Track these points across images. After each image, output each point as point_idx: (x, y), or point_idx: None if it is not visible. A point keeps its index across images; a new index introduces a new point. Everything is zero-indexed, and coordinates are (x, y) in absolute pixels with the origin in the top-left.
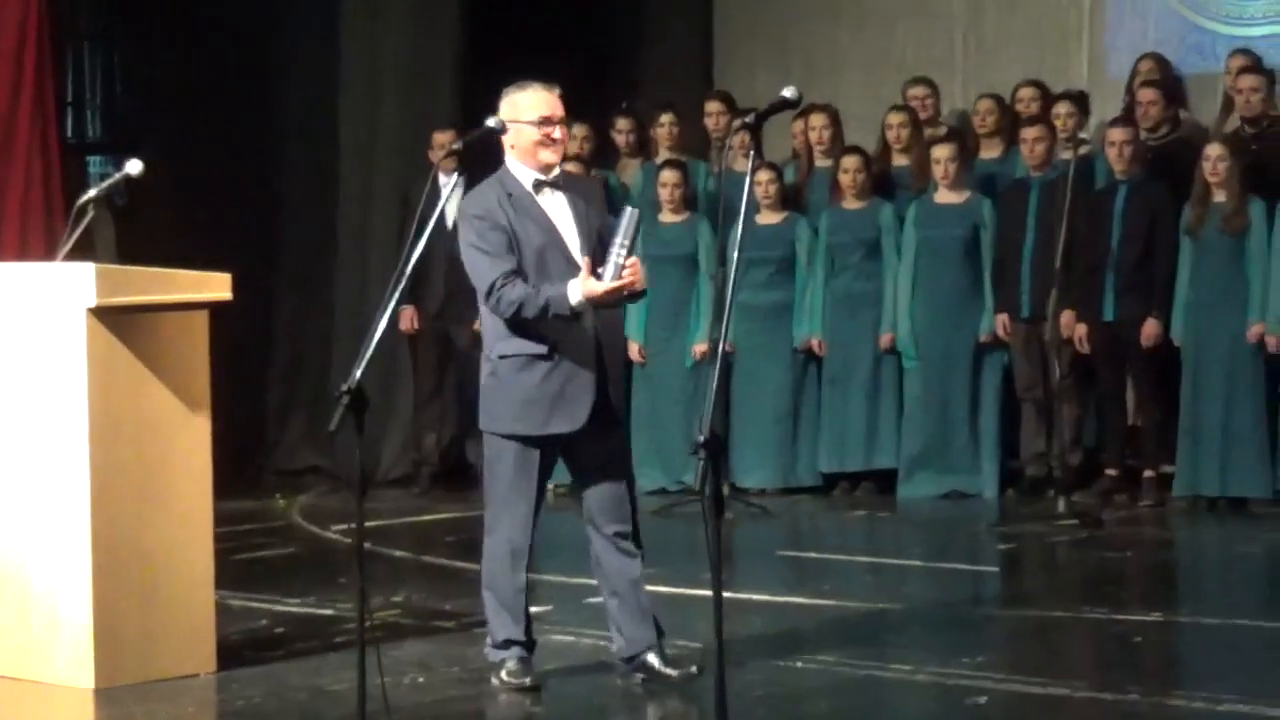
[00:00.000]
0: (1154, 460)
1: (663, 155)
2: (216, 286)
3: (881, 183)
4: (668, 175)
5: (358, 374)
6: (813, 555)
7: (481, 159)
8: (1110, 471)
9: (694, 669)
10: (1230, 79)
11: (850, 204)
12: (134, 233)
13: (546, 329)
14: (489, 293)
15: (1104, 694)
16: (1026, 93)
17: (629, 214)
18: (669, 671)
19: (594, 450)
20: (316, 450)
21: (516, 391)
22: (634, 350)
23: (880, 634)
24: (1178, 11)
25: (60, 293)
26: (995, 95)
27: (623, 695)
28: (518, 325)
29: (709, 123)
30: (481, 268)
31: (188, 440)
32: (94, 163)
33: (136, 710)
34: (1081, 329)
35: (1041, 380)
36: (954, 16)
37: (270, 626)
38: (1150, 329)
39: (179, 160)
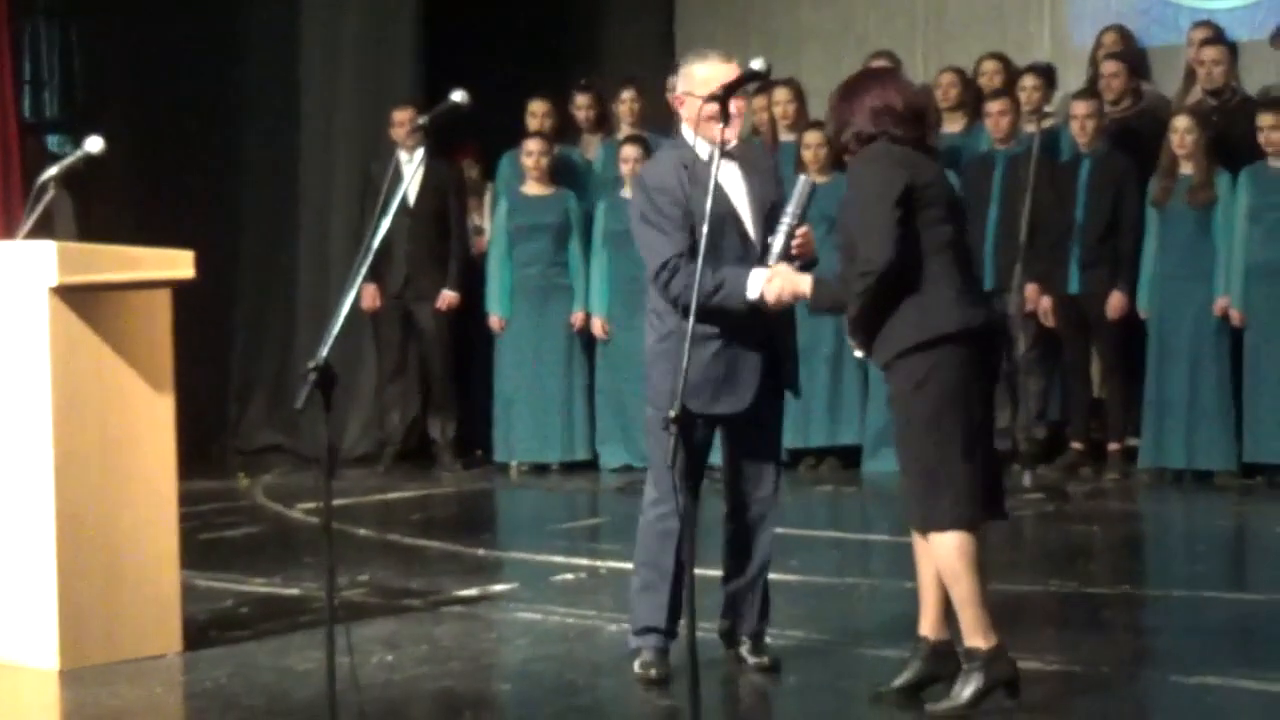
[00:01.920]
0: (1119, 433)
1: (625, 131)
2: (179, 265)
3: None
4: (630, 150)
5: (324, 351)
6: (779, 531)
7: (443, 135)
8: (1075, 445)
9: (767, 660)
10: (1193, 51)
11: (814, 179)
12: (95, 211)
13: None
14: (659, 271)
15: (1074, 667)
16: (990, 66)
17: (802, 182)
18: (750, 659)
19: (750, 430)
20: (279, 429)
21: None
22: (597, 327)
23: (848, 609)
24: None
25: (22, 272)
26: (957, 69)
27: (592, 671)
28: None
29: (672, 97)
30: (654, 243)
31: (151, 420)
32: (52, 141)
33: (102, 692)
34: (1046, 302)
35: (1006, 354)
36: None
37: (236, 606)
38: (1115, 302)
39: (138, 138)
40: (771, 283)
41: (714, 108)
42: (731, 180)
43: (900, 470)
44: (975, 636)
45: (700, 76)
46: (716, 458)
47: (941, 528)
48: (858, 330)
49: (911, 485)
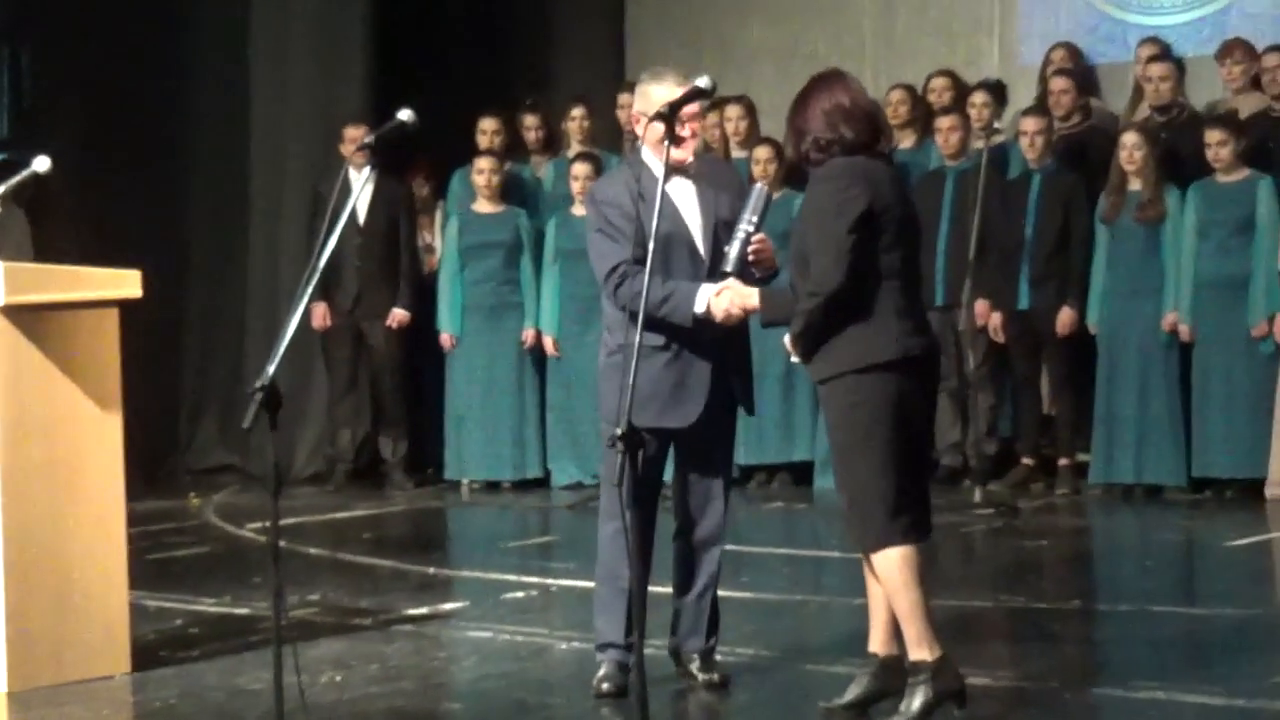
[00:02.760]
0: (1069, 449)
1: (575, 149)
2: (127, 284)
3: (795, 173)
4: (580, 168)
5: (271, 371)
6: (730, 547)
7: (394, 153)
8: (1026, 460)
9: (717, 677)
10: (1140, 68)
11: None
12: (43, 231)
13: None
14: (608, 277)
15: (1024, 683)
16: (939, 83)
17: (757, 191)
18: (700, 675)
19: (700, 445)
20: (229, 449)
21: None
22: (548, 344)
23: (799, 625)
24: (1088, 1)
25: None
26: (908, 86)
27: (542, 689)
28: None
29: (622, 115)
30: (605, 251)
31: (100, 439)
32: None
33: (50, 713)
34: (996, 318)
35: (956, 370)
36: (865, 8)
37: (185, 626)
38: (1065, 318)
39: (87, 158)
40: (719, 297)
41: (662, 127)
42: (685, 198)
43: (838, 489)
44: (920, 649)
45: (655, 97)
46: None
47: (881, 545)
48: (798, 343)
49: (850, 504)
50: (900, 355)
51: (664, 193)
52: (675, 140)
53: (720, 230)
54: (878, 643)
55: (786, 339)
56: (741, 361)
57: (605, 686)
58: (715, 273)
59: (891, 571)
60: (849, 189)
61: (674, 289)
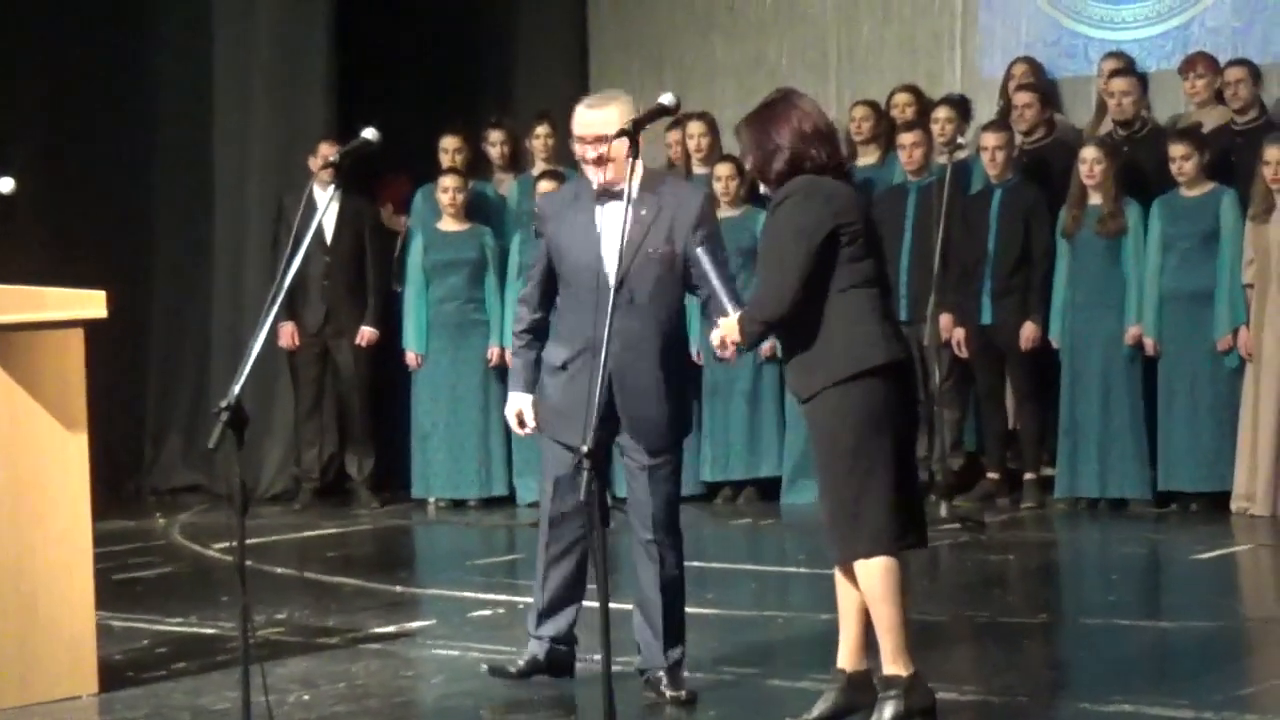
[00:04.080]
0: (1034, 463)
1: (539, 166)
2: (91, 305)
3: (757, 190)
4: (545, 185)
5: (236, 390)
6: (696, 564)
7: (358, 171)
8: (991, 475)
9: (684, 693)
10: (1103, 82)
11: (725, 212)
12: (4, 251)
13: (563, 343)
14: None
15: (991, 697)
16: (902, 98)
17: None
18: (667, 692)
19: (622, 466)
20: (194, 468)
21: (543, 394)
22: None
23: (766, 641)
24: (1050, 15)
25: None
26: (870, 101)
27: (509, 708)
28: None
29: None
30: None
31: (65, 460)
32: None
33: None
34: (960, 333)
35: (921, 385)
36: (827, 23)
37: (152, 646)
38: (1028, 331)
39: (49, 178)
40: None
41: (581, 150)
42: (612, 224)
43: (821, 500)
44: (895, 664)
45: (575, 120)
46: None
47: (865, 554)
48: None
49: (834, 515)
50: (887, 360)
51: (594, 215)
52: (589, 164)
53: (640, 258)
54: (846, 658)
55: (722, 336)
56: (636, 391)
57: (510, 669)
58: (620, 299)
59: (875, 581)
60: (819, 208)
61: (515, 370)
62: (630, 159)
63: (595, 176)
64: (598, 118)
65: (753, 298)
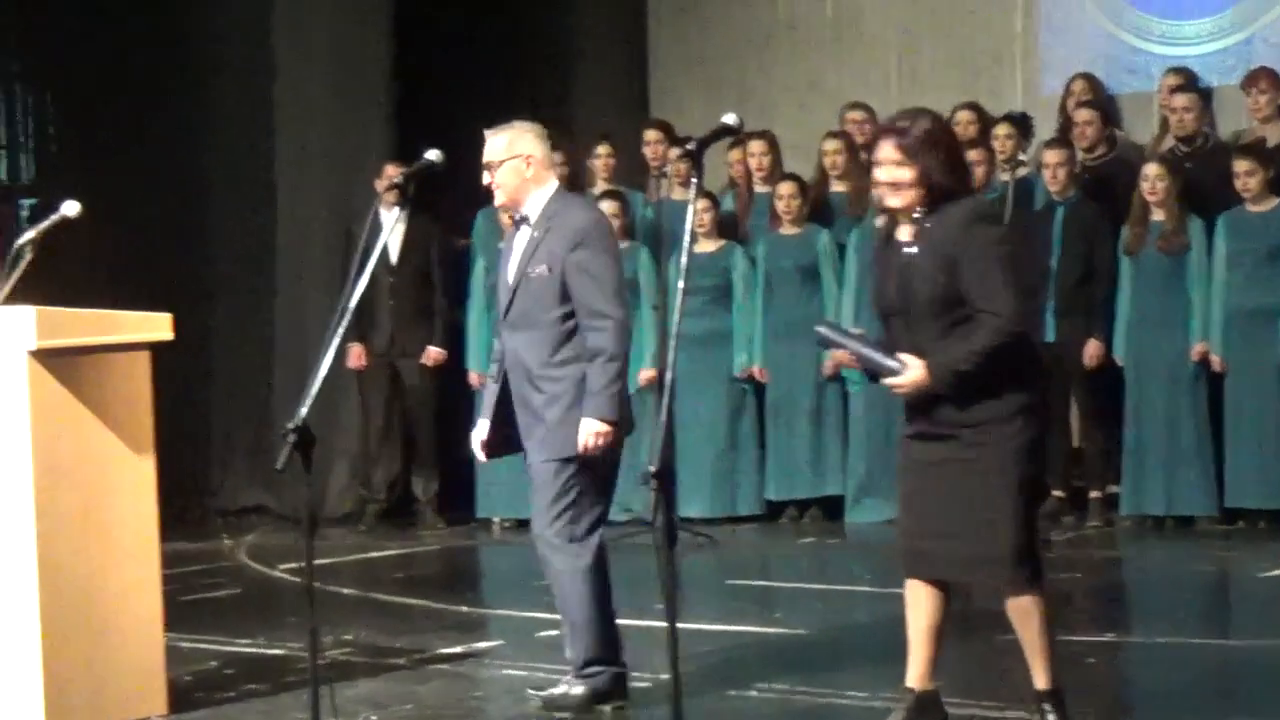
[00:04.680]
0: (1099, 481)
1: (600, 186)
2: (158, 327)
3: (819, 209)
4: (606, 205)
5: (303, 412)
6: (762, 583)
7: (423, 192)
8: (1056, 493)
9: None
10: (1164, 98)
11: (787, 230)
12: (71, 275)
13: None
14: None
15: None
16: (964, 116)
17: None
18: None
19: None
20: (261, 489)
21: None
22: None
23: (833, 661)
24: (1111, 32)
25: (0, 336)
26: None
27: None
28: None
29: (647, 151)
30: None
31: (133, 482)
32: (26, 205)
33: None
34: None
35: None
36: (887, 43)
37: (220, 668)
38: (1092, 349)
39: (114, 202)
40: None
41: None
42: (517, 249)
43: (990, 532)
44: (1056, 678)
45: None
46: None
47: (1038, 582)
48: (955, 381)
49: (1017, 548)
50: (1043, 392)
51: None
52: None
53: (523, 280)
54: (916, 678)
55: (916, 379)
56: (521, 410)
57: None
58: (509, 322)
59: (1041, 609)
60: (1006, 228)
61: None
62: (692, 180)
63: (494, 201)
64: (490, 145)
65: (997, 316)
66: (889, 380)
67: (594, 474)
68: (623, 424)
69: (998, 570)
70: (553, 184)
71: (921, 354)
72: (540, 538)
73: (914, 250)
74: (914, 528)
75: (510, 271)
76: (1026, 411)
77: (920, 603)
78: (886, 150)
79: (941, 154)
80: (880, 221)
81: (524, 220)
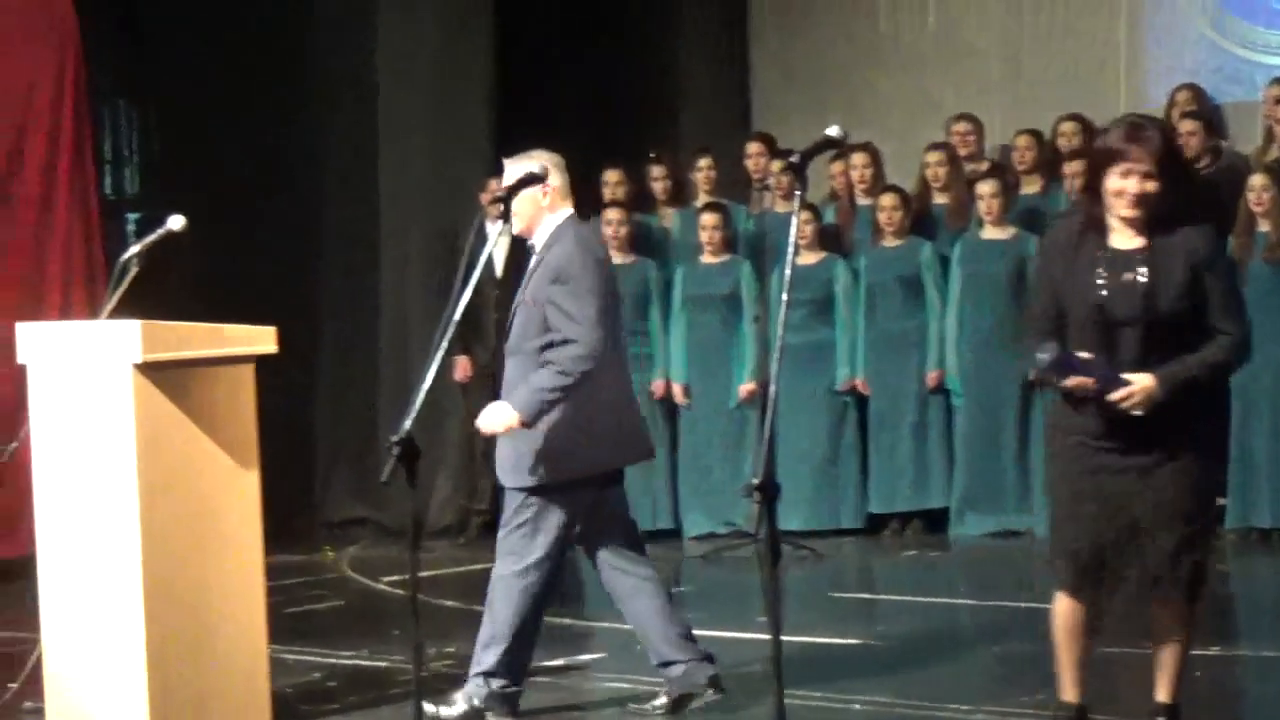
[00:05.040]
0: None
1: (702, 198)
2: (262, 340)
3: (921, 221)
4: (708, 218)
5: (407, 424)
6: (865, 596)
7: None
8: None
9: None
10: (1269, 108)
11: (889, 242)
12: (175, 288)
13: None
14: None
15: None
16: (1068, 127)
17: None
18: None
19: None
20: (364, 501)
21: None
22: (677, 392)
23: (935, 673)
24: (1215, 41)
25: (106, 350)
26: (1034, 131)
27: None
28: None
29: (749, 164)
30: None
31: (237, 494)
32: (132, 219)
33: None
34: None
35: None
36: (989, 54)
37: (324, 680)
38: None
39: (217, 215)
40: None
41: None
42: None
43: (1186, 543)
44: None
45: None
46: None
47: (1203, 594)
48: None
49: (1198, 555)
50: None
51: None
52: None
53: (518, 307)
54: (1073, 690)
55: (1148, 390)
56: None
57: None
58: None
59: (1195, 622)
60: None
61: None
62: (795, 192)
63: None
64: (510, 172)
65: (1236, 325)
66: (1119, 393)
67: (564, 504)
68: (626, 451)
69: (1178, 579)
70: (565, 212)
71: (1146, 365)
72: (499, 544)
73: (1150, 262)
74: (1096, 540)
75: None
76: (1220, 428)
77: (1074, 613)
78: (1137, 160)
79: (1181, 167)
80: (1066, 227)
81: (533, 248)
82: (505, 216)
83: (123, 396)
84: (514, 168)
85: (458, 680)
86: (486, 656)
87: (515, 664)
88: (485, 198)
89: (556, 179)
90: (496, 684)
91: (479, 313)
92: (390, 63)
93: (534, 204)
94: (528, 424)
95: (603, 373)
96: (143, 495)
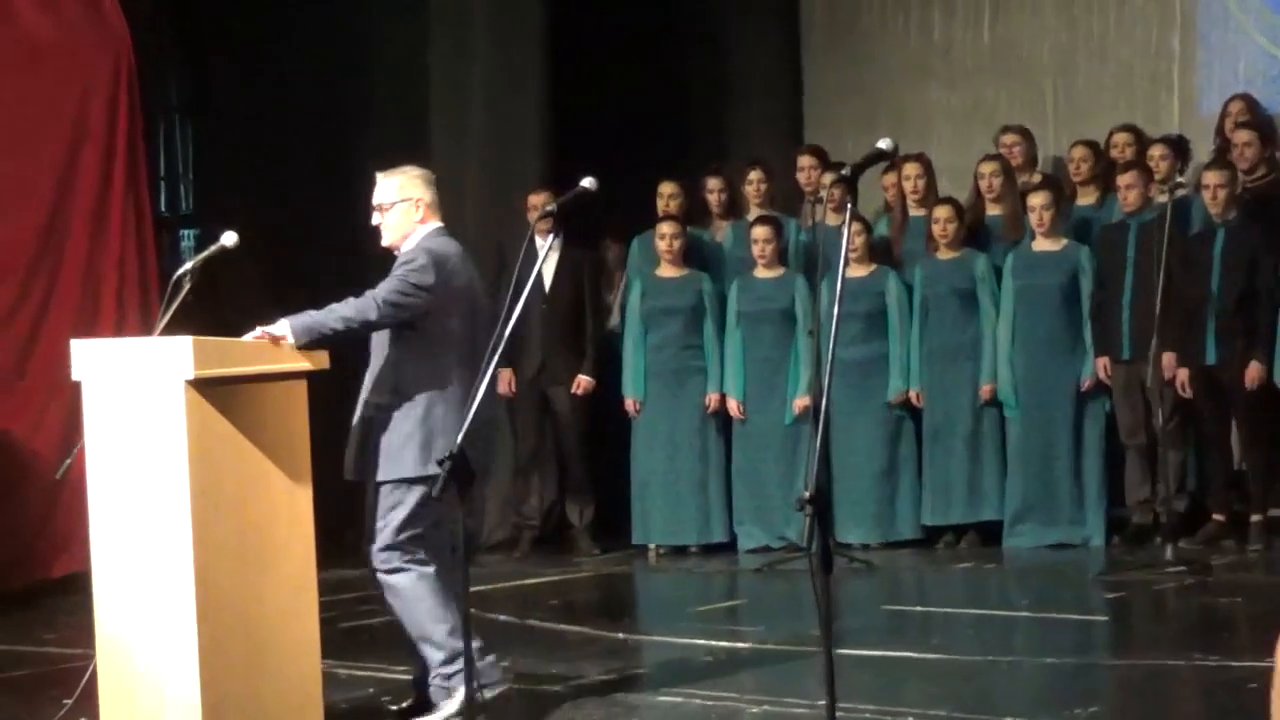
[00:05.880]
0: (1260, 504)
1: (754, 211)
2: (314, 355)
3: (975, 233)
4: (759, 231)
5: (458, 440)
6: (919, 609)
7: (576, 218)
8: (1217, 517)
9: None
10: None
11: (943, 254)
12: (227, 304)
13: None
14: None
15: None
16: (1121, 138)
17: None
18: None
19: None
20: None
21: None
22: (733, 407)
23: (991, 687)
24: (1269, 52)
25: (159, 366)
26: (1089, 141)
27: None
28: None
29: (801, 177)
30: None
31: (290, 509)
32: (185, 236)
33: None
34: (1183, 373)
35: (1144, 426)
36: (1043, 66)
37: (377, 695)
38: (1253, 372)
39: (271, 230)
40: None
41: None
42: None
43: None
44: None
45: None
46: (850, 535)
47: None
48: None
49: None
50: None
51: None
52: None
53: None
54: None
55: None
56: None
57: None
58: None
59: None
60: None
61: None
62: (847, 205)
63: (380, 241)
64: (379, 187)
65: None
66: None
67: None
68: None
69: None
70: (433, 224)
71: None
72: (385, 563)
73: None
74: None
75: None
76: None
77: None
78: None
79: None
80: None
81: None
82: (555, 231)
83: (175, 412)
84: (386, 182)
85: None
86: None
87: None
88: (531, 215)
89: (428, 194)
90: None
91: (524, 327)
92: (443, 78)
93: (407, 218)
94: (293, 341)
95: (449, 371)
96: (195, 510)
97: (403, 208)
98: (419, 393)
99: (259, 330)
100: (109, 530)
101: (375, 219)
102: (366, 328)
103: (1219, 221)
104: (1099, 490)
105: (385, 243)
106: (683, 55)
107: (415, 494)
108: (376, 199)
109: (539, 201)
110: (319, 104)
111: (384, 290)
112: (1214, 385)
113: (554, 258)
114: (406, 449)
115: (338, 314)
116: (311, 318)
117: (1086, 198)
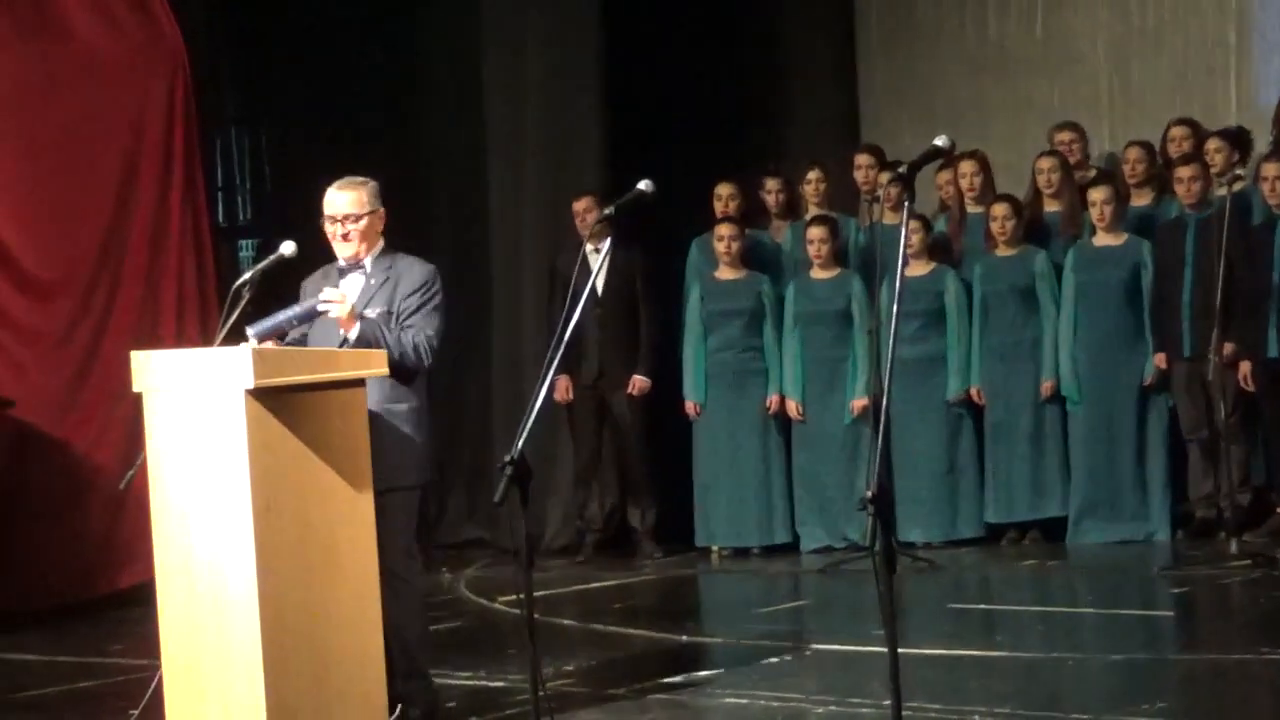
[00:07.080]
0: None
1: (811, 211)
2: (374, 363)
3: (1033, 229)
4: (814, 231)
5: (519, 445)
6: (983, 607)
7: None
8: None
9: None
10: None
11: (1002, 251)
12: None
13: None
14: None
15: None
16: (1178, 132)
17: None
18: None
19: None
20: (479, 522)
21: None
22: (792, 408)
23: (1057, 684)
24: None
25: (218, 375)
26: (1144, 143)
27: None
28: None
29: (858, 176)
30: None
31: (352, 517)
32: (244, 246)
33: None
34: (1245, 366)
35: (1207, 420)
36: (1098, 61)
37: (443, 700)
38: None
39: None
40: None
41: (330, 229)
42: (350, 290)
43: None
44: None
45: (325, 201)
46: (913, 534)
47: None
48: None
49: None
50: None
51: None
52: (337, 240)
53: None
54: None
55: None
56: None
57: None
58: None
59: None
60: None
61: None
62: (905, 203)
63: (342, 251)
64: (346, 199)
65: None
66: None
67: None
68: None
69: None
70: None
71: None
72: (395, 573)
73: None
74: None
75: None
76: None
77: None
78: None
79: None
80: None
81: (355, 268)
82: (609, 234)
83: (236, 422)
84: (352, 194)
85: (575, 699)
86: None
87: None
88: (582, 221)
89: (379, 206)
90: None
91: (582, 331)
92: (499, 85)
93: (375, 230)
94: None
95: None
96: (257, 519)
97: (373, 219)
98: (416, 397)
99: (330, 292)
100: (172, 541)
101: (336, 230)
102: (409, 365)
103: (1278, 214)
104: (1163, 486)
105: (350, 254)
106: (739, 55)
107: (417, 499)
108: (344, 209)
109: (582, 207)
110: (375, 113)
111: (430, 330)
112: (1276, 378)
113: (608, 262)
114: (415, 454)
115: (400, 340)
116: (373, 328)
117: (1141, 199)
